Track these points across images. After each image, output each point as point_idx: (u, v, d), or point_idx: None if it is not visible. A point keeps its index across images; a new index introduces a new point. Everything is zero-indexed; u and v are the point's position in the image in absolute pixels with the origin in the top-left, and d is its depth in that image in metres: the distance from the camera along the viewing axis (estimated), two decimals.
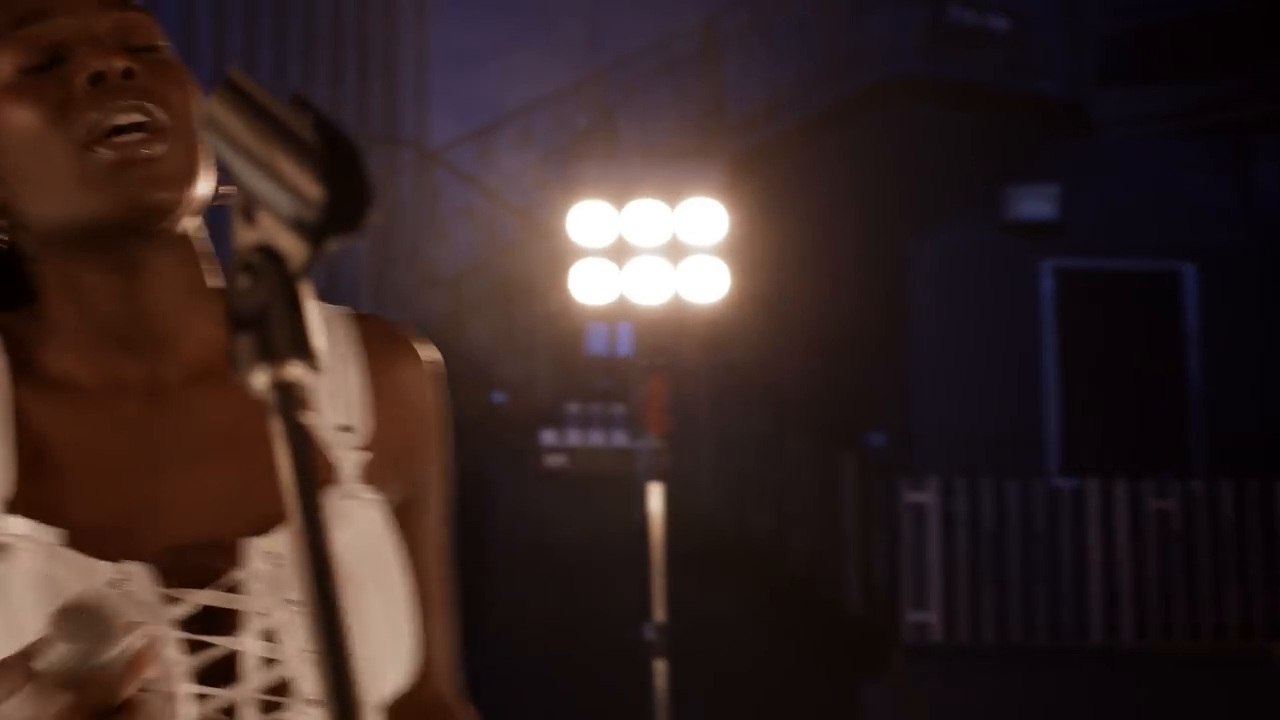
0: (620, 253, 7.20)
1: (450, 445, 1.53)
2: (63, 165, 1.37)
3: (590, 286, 7.20)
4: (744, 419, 10.39)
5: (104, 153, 1.36)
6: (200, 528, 1.39)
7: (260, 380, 0.92)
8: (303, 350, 0.92)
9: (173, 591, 1.36)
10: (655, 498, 6.98)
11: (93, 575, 1.34)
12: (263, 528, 1.38)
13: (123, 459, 1.40)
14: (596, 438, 9.41)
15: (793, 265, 10.49)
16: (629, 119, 11.33)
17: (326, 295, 1.23)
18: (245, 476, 1.41)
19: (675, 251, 7.18)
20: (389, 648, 1.41)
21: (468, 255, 11.28)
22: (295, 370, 0.92)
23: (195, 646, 1.35)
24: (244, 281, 0.93)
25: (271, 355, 0.92)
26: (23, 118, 1.39)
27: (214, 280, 1.44)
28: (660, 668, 6.94)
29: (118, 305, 1.41)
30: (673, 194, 7.20)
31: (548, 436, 9.42)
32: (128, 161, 1.36)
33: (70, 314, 1.42)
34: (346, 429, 1.45)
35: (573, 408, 9.65)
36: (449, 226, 11.41)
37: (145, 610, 1.33)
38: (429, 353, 1.52)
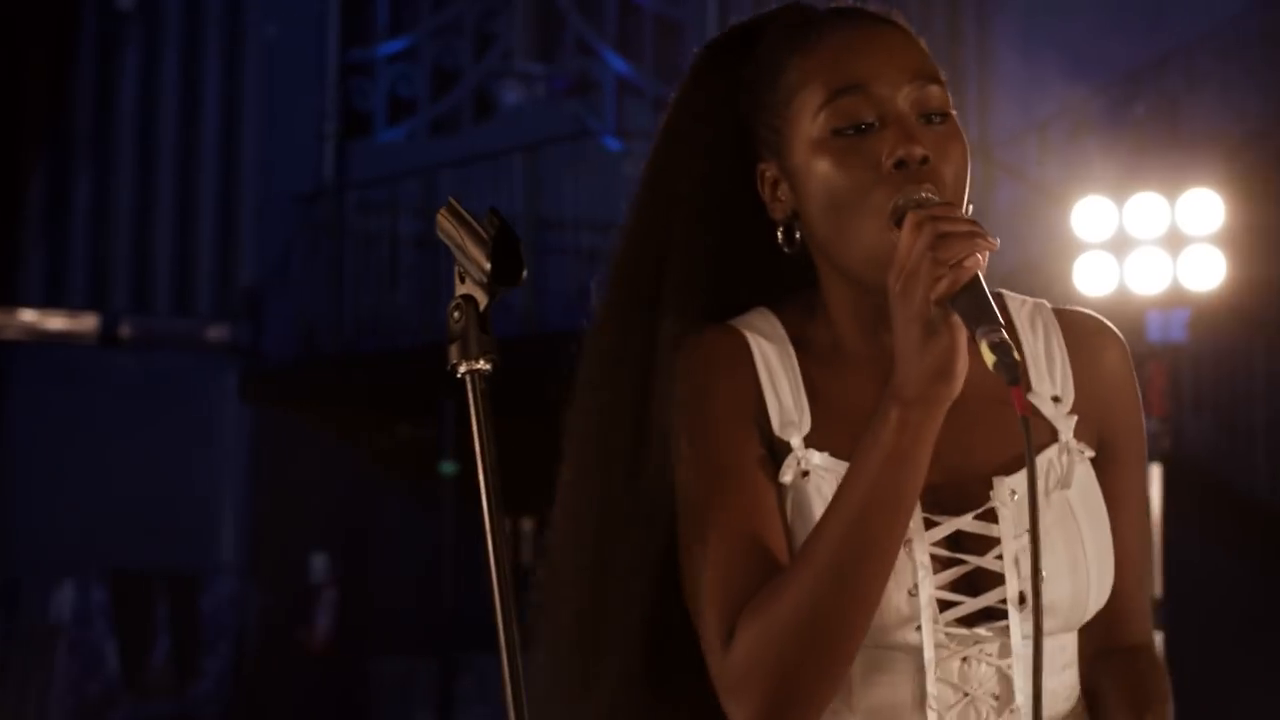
0: (1120, 245, 7.61)
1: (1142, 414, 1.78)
2: (860, 234, 1.65)
3: (1091, 278, 7.65)
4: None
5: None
6: (959, 467, 1.67)
7: (460, 370, 1.63)
8: (488, 354, 1.63)
9: (933, 516, 1.66)
10: (1153, 479, 7.34)
11: None
12: (1011, 469, 1.67)
13: None
14: None
15: None
16: (1194, 106, 11.24)
17: None
18: (995, 426, 1.67)
19: (1174, 242, 7.53)
20: (1095, 578, 1.67)
21: (1018, 253, 11.42)
22: (479, 365, 1.62)
23: (948, 563, 1.65)
24: (455, 314, 1.64)
25: (468, 355, 1.64)
26: (833, 176, 1.66)
27: None
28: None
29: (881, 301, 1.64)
30: (1172, 187, 7.54)
31: None
32: None
33: (842, 302, 1.72)
34: (1057, 399, 1.73)
35: None
36: (1003, 222, 11.56)
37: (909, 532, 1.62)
38: (1116, 337, 1.79)
